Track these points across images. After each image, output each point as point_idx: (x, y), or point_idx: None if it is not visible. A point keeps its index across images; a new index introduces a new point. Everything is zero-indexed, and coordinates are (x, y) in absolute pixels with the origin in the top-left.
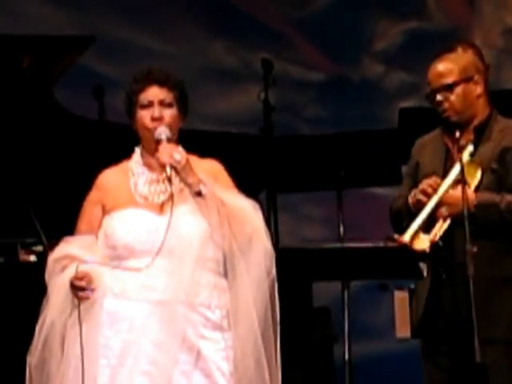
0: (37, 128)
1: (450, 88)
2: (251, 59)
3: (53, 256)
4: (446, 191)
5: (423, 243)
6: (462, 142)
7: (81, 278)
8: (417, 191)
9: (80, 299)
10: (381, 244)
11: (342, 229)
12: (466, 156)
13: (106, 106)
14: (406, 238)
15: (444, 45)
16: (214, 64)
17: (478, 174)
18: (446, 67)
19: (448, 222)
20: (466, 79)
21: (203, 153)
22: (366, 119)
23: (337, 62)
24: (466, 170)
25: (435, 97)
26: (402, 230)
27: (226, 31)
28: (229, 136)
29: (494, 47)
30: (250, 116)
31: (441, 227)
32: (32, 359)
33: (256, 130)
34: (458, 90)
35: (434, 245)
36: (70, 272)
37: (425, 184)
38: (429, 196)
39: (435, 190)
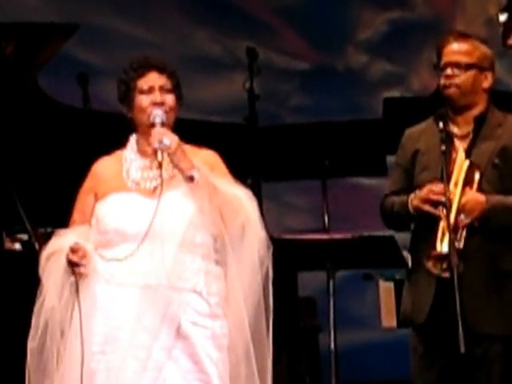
0: (21, 116)
1: (464, 67)
2: (235, 48)
3: (46, 252)
4: (460, 200)
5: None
6: (462, 131)
7: (75, 251)
8: (419, 198)
9: (74, 274)
10: (365, 234)
11: (326, 218)
12: (462, 157)
13: (90, 93)
14: (445, 250)
15: (427, 35)
16: (198, 52)
17: (477, 175)
18: (467, 48)
19: (465, 229)
20: (480, 68)
21: (187, 142)
22: (350, 109)
23: (321, 51)
24: (465, 171)
25: (446, 69)
26: (400, 230)
27: (210, 19)
28: (213, 125)
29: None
30: (234, 105)
31: (462, 235)
32: (33, 344)
33: (240, 119)
34: (471, 72)
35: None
36: (65, 251)
37: (431, 193)
38: (434, 205)
39: (444, 197)
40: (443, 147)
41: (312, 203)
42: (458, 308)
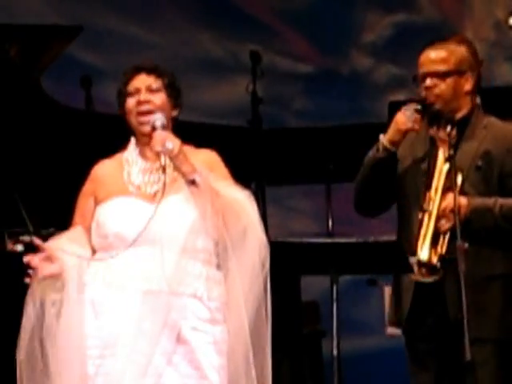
0: (24, 117)
1: (442, 76)
2: (239, 51)
3: None
4: (439, 205)
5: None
6: (444, 136)
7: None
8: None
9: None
10: (369, 238)
11: (330, 223)
12: (442, 161)
13: (93, 95)
14: (424, 257)
15: (433, 38)
16: (201, 55)
17: (459, 178)
18: (443, 55)
19: (448, 233)
20: (459, 72)
21: (187, 142)
22: (354, 112)
23: (325, 55)
24: (445, 176)
25: (424, 81)
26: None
27: (214, 22)
28: (216, 128)
29: (485, 40)
30: (238, 108)
31: (444, 240)
32: (20, 353)
33: (244, 122)
34: (450, 80)
35: (441, 258)
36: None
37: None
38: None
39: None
40: (451, 152)
41: (316, 207)
42: (464, 314)
